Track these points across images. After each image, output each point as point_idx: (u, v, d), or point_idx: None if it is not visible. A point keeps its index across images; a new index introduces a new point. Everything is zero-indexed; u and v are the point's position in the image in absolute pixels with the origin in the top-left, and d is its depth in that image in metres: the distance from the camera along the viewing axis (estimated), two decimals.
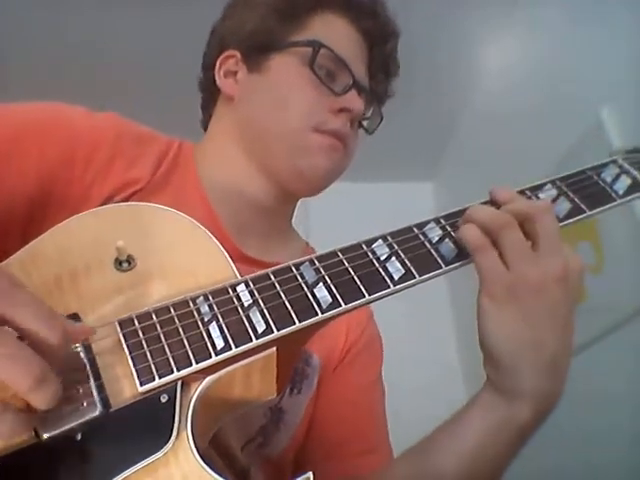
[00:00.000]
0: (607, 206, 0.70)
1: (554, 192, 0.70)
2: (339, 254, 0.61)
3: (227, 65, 0.91)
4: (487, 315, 0.62)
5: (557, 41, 2.27)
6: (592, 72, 2.04)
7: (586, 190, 0.71)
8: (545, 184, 0.71)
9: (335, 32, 0.88)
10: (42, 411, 0.45)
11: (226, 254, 0.60)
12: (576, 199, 0.70)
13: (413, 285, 0.61)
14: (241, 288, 0.57)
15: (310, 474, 0.49)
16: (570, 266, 0.60)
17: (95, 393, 0.50)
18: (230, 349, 0.54)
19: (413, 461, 0.70)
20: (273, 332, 0.55)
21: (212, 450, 0.64)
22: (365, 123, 0.95)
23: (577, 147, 1.97)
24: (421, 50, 1.99)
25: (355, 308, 0.59)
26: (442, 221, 0.66)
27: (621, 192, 0.72)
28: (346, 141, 0.87)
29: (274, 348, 0.55)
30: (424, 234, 0.64)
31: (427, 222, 0.66)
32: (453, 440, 0.66)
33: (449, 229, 0.65)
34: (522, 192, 0.69)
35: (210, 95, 0.96)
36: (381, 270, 0.61)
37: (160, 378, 0.51)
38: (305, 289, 0.58)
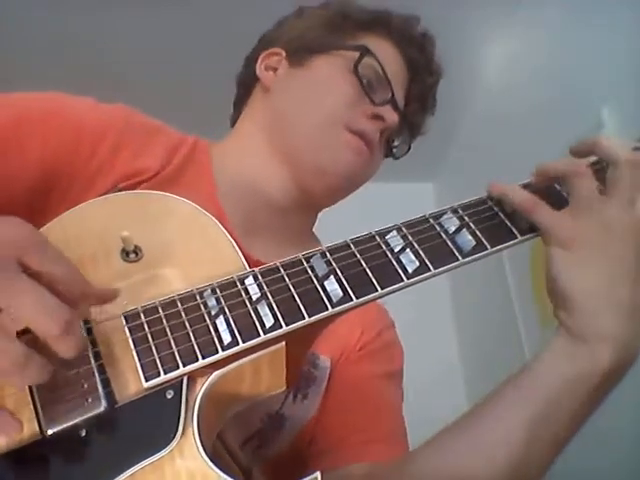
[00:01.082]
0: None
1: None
2: (351, 245, 0.60)
3: (270, 61, 0.92)
4: (561, 261, 0.61)
5: (557, 41, 2.27)
6: (592, 72, 2.04)
7: None
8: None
9: (381, 51, 0.88)
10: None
11: (235, 244, 0.59)
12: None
13: (428, 278, 0.59)
14: (249, 281, 0.56)
15: (318, 474, 0.48)
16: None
17: (100, 388, 0.49)
18: (237, 344, 0.52)
19: (470, 422, 0.65)
20: (281, 327, 0.54)
21: (220, 446, 0.63)
22: (394, 150, 0.95)
23: None
24: None
25: (367, 302, 0.57)
26: (460, 211, 0.64)
27: None
28: (373, 148, 0.86)
29: (283, 343, 0.54)
30: (440, 224, 0.62)
31: (443, 212, 0.64)
32: (521, 394, 0.61)
33: (467, 219, 0.63)
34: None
35: (245, 89, 0.96)
36: (394, 262, 0.59)
37: (165, 373, 0.51)
38: (315, 282, 0.57)
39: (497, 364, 2.72)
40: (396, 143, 0.94)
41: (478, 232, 0.62)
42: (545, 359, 0.62)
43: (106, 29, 2.27)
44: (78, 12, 2.19)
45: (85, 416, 0.48)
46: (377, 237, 0.61)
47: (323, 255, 0.59)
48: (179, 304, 0.54)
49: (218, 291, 0.55)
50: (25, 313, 0.44)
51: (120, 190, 0.72)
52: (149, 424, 0.49)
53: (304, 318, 0.54)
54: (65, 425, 0.47)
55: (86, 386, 0.49)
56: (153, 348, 0.52)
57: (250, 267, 0.59)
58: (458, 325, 3.00)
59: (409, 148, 0.97)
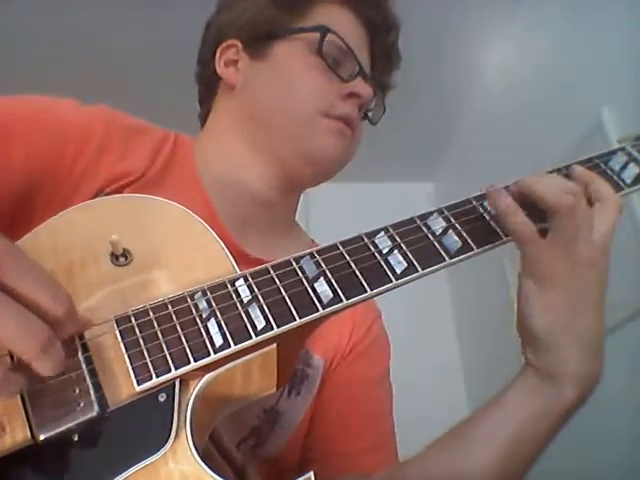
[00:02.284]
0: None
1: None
2: (340, 247, 0.60)
3: (227, 54, 0.89)
4: (532, 299, 0.63)
5: (557, 41, 2.27)
6: (592, 72, 2.03)
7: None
8: (552, 172, 0.70)
9: (338, 21, 0.86)
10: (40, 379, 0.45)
11: (224, 247, 0.59)
12: None
13: (416, 279, 0.59)
14: (240, 283, 0.56)
15: (311, 474, 0.48)
16: (601, 248, 0.63)
17: (92, 392, 0.49)
18: (229, 346, 0.52)
19: (446, 451, 0.69)
20: (273, 329, 0.54)
21: (211, 447, 0.63)
22: (369, 114, 0.93)
23: (577, 148, 1.97)
24: (421, 50, 1.99)
25: (357, 303, 0.57)
26: (445, 212, 0.64)
27: (629, 181, 0.71)
28: (354, 127, 0.86)
29: (274, 345, 0.54)
30: (427, 226, 0.63)
31: (430, 213, 0.64)
32: (493, 427, 0.65)
33: (453, 220, 0.63)
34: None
35: (208, 88, 0.94)
36: (383, 263, 0.59)
37: (157, 377, 0.50)
38: (305, 284, 0.57)
39: (497, 364, 2.72)
40: (371, 106, 0.93)
41: (464, 233, 0.62)
42: (513, 395, 0.66)
43: (106, 28, 2.29)
44: (78, 11, 2.20)
45: (77, 421, 0.47)
46: (365, 238, 0.61)
47: (312, 257, 0.59)
48: (170, 307, 0.54)
49: (209, 293, 0.55)
50: (1, 333, 0.42)
51: (107, 195, 0.72)
52: (142, 427, 0.49)
53: (295, 319, 0.54)
54: (57, 430, 0.47)
55: (78, 391, 0.48)
56: (145, 352, 0.51)
57: (248, 265, 0.59)
58: (458, 326, 3.01)
59: (384, 109, 0.96)
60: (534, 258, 0.62)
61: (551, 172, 0.69)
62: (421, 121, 2.62)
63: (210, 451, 0.63)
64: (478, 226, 0.64)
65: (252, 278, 0.56)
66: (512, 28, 2.45)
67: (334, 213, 2.51)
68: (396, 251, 0.60)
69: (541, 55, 2.38)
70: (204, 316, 0.54)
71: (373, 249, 0.60)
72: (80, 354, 0.50)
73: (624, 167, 0.71)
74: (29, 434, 0.47)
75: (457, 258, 0.61)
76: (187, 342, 0.52)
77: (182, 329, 0.53)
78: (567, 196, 0.61)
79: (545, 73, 2.33)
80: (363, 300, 0.57)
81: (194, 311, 0.54)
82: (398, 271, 0.59)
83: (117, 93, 1.60)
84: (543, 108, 2.29)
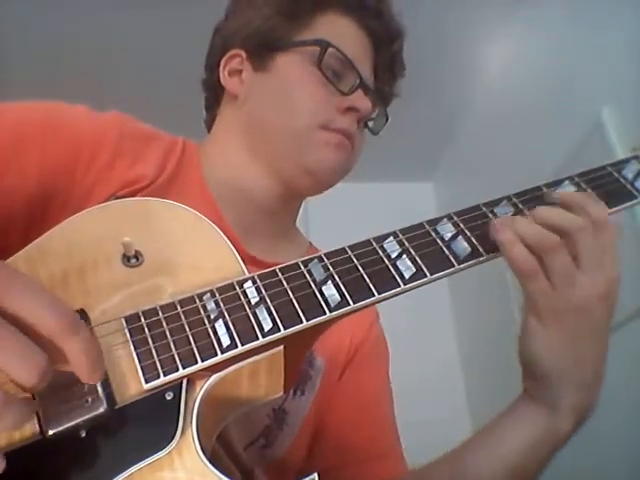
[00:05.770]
0: (627, 204, 0.69)
1: (572, 188, 0.69)
2: (348, 251, 0.60)
3: (232, 64, 0.90)
4: (535, 335, 0.64)
5: (557, 41, 2.27)
6: (593, 73, 2.04)
7: (606, 187, 0.69)
8: (563, 180, 0.70)
9: (340, 32, 0.87)
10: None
11: (233, 249, 0.59)
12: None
13: (424, 284, 0.59)
14: (248, 285, 0.56)
15: (315, 475, 0.48)
16: (610, 280, 0.63)
17: (100, 390, 0.49)
18: (236, 347, 0.53)
19: (446, 472, 0.70)
20: (280, 330, 0.54)
21: (220, 449, 0.63)
22: (370, 124, 0.94)
23: (578, 148, 1.97)
24: (421, 50, 1.98)
25: (364, 307, 0.58)
26: (455, 217, 0.64)
27: None
28: (353, 140, 0.87)
29: (281, 347, 0.54)
30: (436, 231, 0.63)
31: (440, 219, 0.64)
32: (491, 453, 0.67)
33: (462, 226, 0.64)
34: (539, 188, 0.68)
35: (214, 95, 0.95)
36: (391, 268, 0.59)
37: (165, 375, 0.51)
38: (313, 287, 0.57)
39: (497, 367, 2.72)
40: (373, 116, 0.93)
41: (474, 239, 0.63)
42: (511, 423, 0.68)
43: (107, 29, 2.29)
44: (78, 12, 2.20)
45: (85, 417, 0.48)
46: (374, 243, 0.61)
47: (321, 260, 0.59)
48: (179, 307, 0.54)
49: (217, 294, 0.55)
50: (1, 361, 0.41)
51: (118, 198, 0.72)
52: (149, 425, 0.50)
53: (302, 322, 0.55)
54: (66, 426, 0.47)
55: (87, 387, 0.49)
56: (153, 350, 0.52)
57: (251, 266, 0.59)
58: (457, 328, 3.01)
59: (387, 118, 0.96)
60: (539, 297, 0.62)
61: (539, 187, 0.69)
62: (421, 121, 2.62)
63: (219, 454, 0.63)
64: (488, 232, 0.63)
65: (260, 280, 0.57)
66: (512, 28, 2.45)
67: (334, 213, 2.52)
68: (405, 256, 0.60)
69: (541, 55, 2.38)
70: (212, 317, 0.54)
71: (381, 253, 0.60)
72: None
73: (637, 176, 0.70)
74: (38, 429, 0.47)
75: (466, 264, 0.61)
76: (195, 342, 0.53)
77: (190, 329, 0.53)
78: (546, 236, 0.61)
79: (545, 73, 2.33)
80: (371, 304, 0.58)
81: (202, 312, 0.54)
82: (406, 276, 0.59)
83: (117, 94, 1.60)
84: (543, 108, 2.29)
